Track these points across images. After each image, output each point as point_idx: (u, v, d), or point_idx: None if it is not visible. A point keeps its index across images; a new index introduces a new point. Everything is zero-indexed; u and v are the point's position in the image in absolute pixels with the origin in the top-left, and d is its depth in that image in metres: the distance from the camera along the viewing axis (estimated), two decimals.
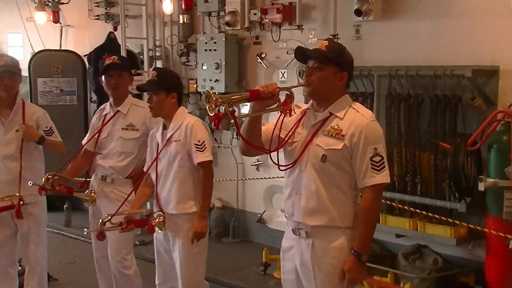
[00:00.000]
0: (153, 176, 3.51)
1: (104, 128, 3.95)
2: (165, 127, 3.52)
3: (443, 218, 4.46)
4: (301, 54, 2.67)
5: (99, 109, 4.15)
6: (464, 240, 4.63)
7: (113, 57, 3.88)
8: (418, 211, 4.64)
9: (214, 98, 2.32)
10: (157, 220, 3.46)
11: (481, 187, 4.22)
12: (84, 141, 4.07)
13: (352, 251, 2.58)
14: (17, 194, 3.90)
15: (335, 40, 5.16)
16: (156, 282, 3.66)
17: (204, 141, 3.40)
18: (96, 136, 3.96)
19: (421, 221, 4.76)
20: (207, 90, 2.40)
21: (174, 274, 3.53)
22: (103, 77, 3.90)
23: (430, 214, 4.56)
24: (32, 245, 4.02)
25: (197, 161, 3.40)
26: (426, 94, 4.73)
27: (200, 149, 3.38)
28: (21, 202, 3.88)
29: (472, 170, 4.33)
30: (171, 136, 3.45)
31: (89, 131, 4.11)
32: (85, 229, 3.52)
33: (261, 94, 2.44)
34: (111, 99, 3.98)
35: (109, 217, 3.42)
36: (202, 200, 3.44)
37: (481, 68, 4.45)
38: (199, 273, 3.54)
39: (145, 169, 3.61)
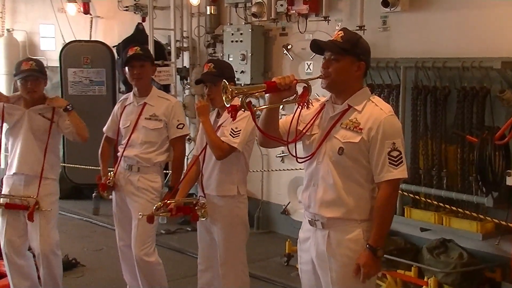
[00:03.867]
0: (201, 160, 3.67)
1: (127, 117, 4.03)
2: (218, 115, 3.64)
3: (466, 212, 4.40)
4: (317, 46, 2.65)
5: (122, 98, 4.23)
6: (490, 235, 4.55)
7: (136, 48, 3.93)
8: (443, 205, 4.58)
9: (230, 89, 2.33)
10: (202, 210, 3.61)
11: (509, 181, 4.14)
12: (104, 129, 4.18)
13: (367, 245, 2.56)
14: (35, 197, 3.94)
15: (361, 31, 5.12)
16: (199, 268, 3.78)
17: (240, 130, 3.46)
18: (118, 124, 4.07)
19: (446, 215, 4.69)
20: (224, 81, 2.41)
21: (215, 258, 3.64)
22: (126, 68, 3.96)
23: (455, 208, 4.51)
24: (37, 237, 4.02)
25: (225, 141, 3.46)
26: (453, 86, 4.65)
27: (233, 134, 3.46)
28: (37, 207, 3.93)
29: (500, 164, 4.25)
30: (222, 123, 3.58)
31: (110, 119, 4.18)
32: (140, 214, 3.71)
33: (277, 86, 2.44)
34: (134, 89, 4.05)
35: (162, 204, 3.61)
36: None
37: (511, 60, 4.34)
38: (238, 255, 3.62)
39: (194, 152, 3.80)
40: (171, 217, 3.68)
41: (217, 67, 3.57)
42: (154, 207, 3.62)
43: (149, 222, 3.65)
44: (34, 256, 4.21)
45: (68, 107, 3.97)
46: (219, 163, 3.54)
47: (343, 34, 2.61)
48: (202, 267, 3.78)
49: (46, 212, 3.98)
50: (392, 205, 2.60)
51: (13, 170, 4.03)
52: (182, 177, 3.80)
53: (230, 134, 3.46)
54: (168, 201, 3.64)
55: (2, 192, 4.06)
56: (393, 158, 2.52)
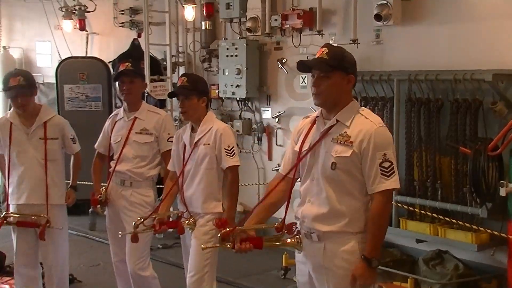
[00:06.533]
0: (179, 176, 3.66)
1: (118, 133, 4.05)
2: (193, 130, 3.66)
3: (461, 223, 4.43)
4: (304, 65, 2.69)
5: (112, 114, 4.26)
6: (485, 246, 4.58)
7: (127, 64, 3.98)
8: (438, 216, 4.61)
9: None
10: (187, 221, 3.62)
11: (502, 192, 4.18)
12: (96, 145, 4.22)
13: (362, 256, 2.58)
14: (46, 216, 3.99)
15: (355, 44, 5.18)
16: (187, 281, 3.76)
17: (233, 147, 3.58)
18: (109, 139, 4.09)
19: (441, 227, 4.73)
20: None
21: None
22: (116, 83, 4.01)
23: (449, 219, 4.53)
24: (49, 251, 4.10)
25: (227, 165, 3.56)
26: (446, 98, 4.71)
27: (230, 154, 3.55)
28: (48, 225, 3.98)
29: (494, 175, 4.29)
30: (199, 139, 3.60)
31: (101, 135, 4.20)
32: (120, 232, 3.70)
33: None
34: (124, 104, 4.10)
35: (142, 220, 3.58)
36: (230, 202, 3.59)
37: (502, 72, 4.41)
38: (206, 266, 3.59)
39: (169, 167, 3.80)
40: (155, 233, 3.67)
41: (190, 81, 3.62)
42: (133, 223, 3.58)
43: (133, 242, 3.62)
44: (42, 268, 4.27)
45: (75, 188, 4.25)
46: (203, 182, 3.58)
47: (327, 50, 2.62)
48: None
49: (57, 229, 4.04)
50: (386, 216, 2.63)
51: (22, 201, 4.05)
52: (164, 194, 3.77)
53: (228, 155, 3.53)
54: (151, 216, 3.61)
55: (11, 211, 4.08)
56: (385, 169, 2.55)
